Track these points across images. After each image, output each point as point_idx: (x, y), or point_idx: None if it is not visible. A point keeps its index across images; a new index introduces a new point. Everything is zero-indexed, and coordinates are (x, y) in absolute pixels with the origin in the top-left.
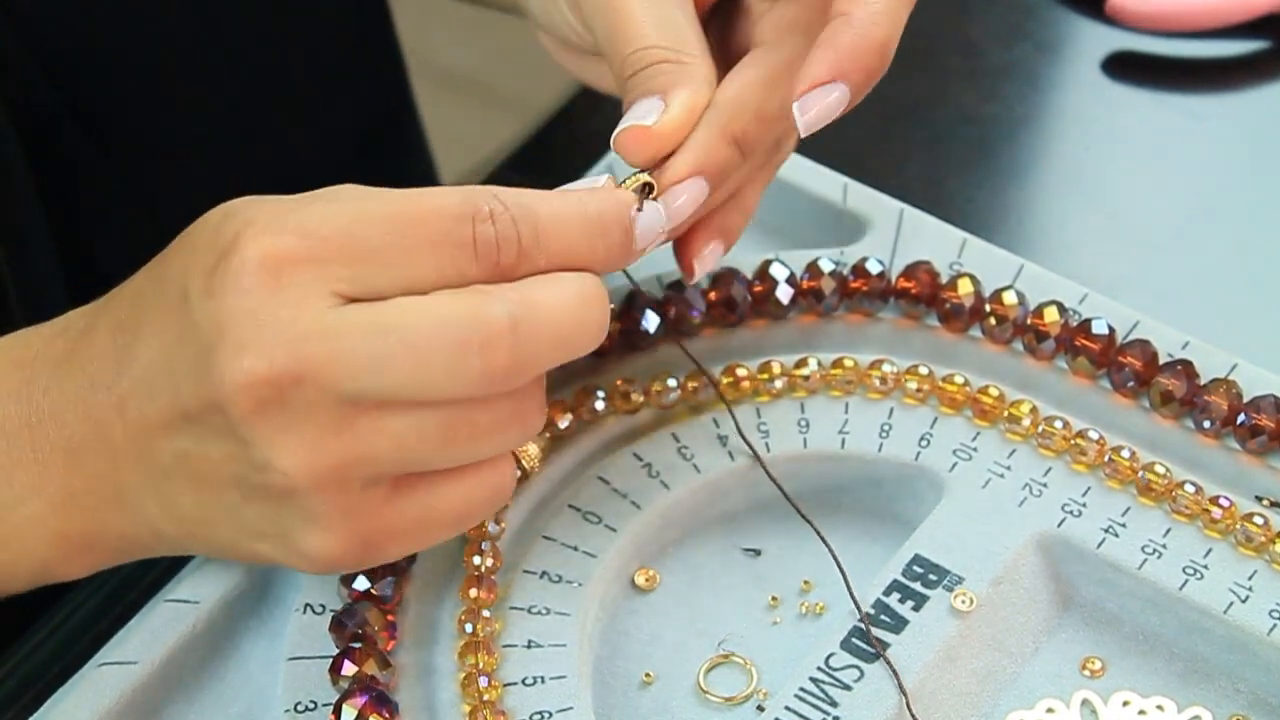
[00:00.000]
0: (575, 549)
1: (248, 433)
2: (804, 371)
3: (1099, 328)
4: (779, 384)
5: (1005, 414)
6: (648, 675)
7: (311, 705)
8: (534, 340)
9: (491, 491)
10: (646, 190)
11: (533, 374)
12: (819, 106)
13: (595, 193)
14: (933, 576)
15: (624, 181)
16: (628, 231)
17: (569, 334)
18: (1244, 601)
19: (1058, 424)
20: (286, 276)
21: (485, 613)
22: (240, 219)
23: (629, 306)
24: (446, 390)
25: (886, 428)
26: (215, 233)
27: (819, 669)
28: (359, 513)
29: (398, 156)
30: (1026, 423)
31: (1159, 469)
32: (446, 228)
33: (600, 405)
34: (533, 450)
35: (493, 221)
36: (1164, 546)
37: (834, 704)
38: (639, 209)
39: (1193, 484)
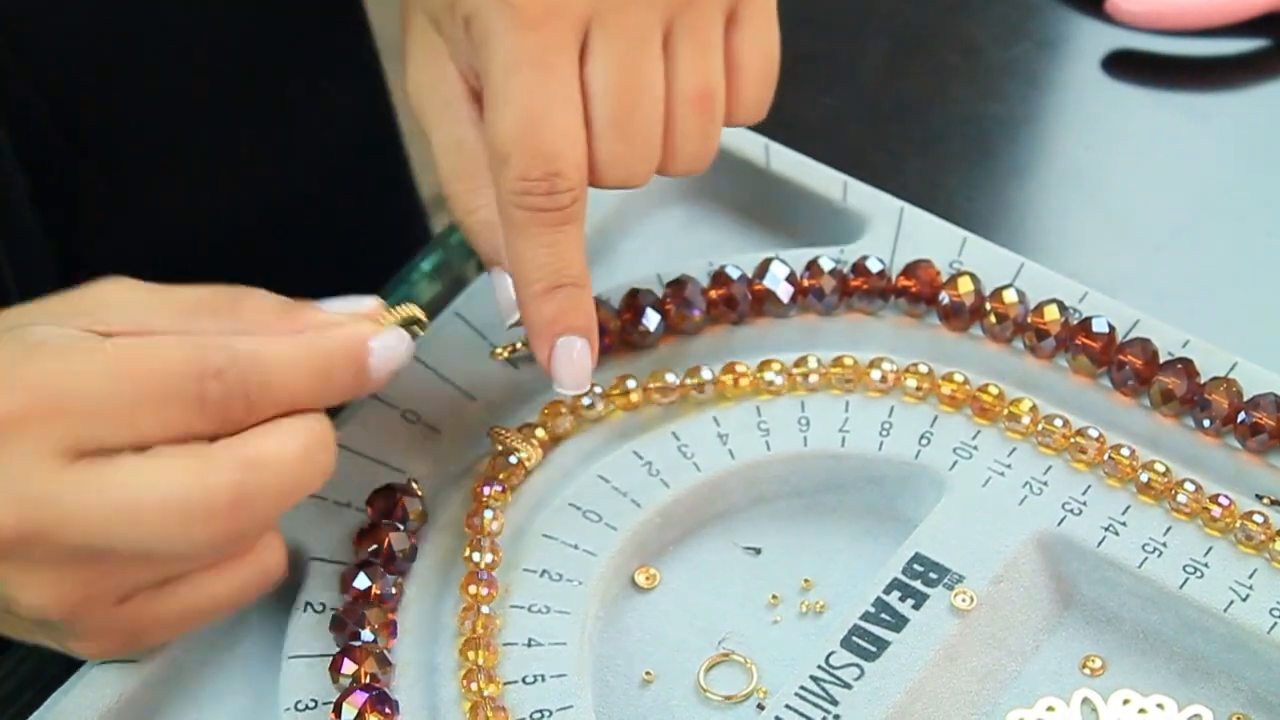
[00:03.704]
0: (575, 547)
1: None
2: (804, 370)
3: (1099, 326)
4: (779, 382)
5: (1005, 412)
6: (648, 674)
7: (312, 704)
8: (260, 501)
9: (260, 574)
10: (413, 324)
11: (261, 530)
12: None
13: (328, 332)
14: (933, 575)
15: (395, 305)
16: (360, 369)
17: (295, 484)
18: (1244, 600)
19: (1058, 422)
20: (13, 437)
21: (485, 610)
22: None
23: (630, 304)
24: (175, 553)
25: (887, 426)
26: None
27: (819, 667)
28: (118, 620)
29: (381, 170)
30: (1026, 421)
31: (1159, 467)
32: (174, 385)
33: (600, 404)
34: (530, 449)
35: (220, 379)
36: (1164, 545)
37: (834, 702)
38: (380, 339)
39: (1193, 482)
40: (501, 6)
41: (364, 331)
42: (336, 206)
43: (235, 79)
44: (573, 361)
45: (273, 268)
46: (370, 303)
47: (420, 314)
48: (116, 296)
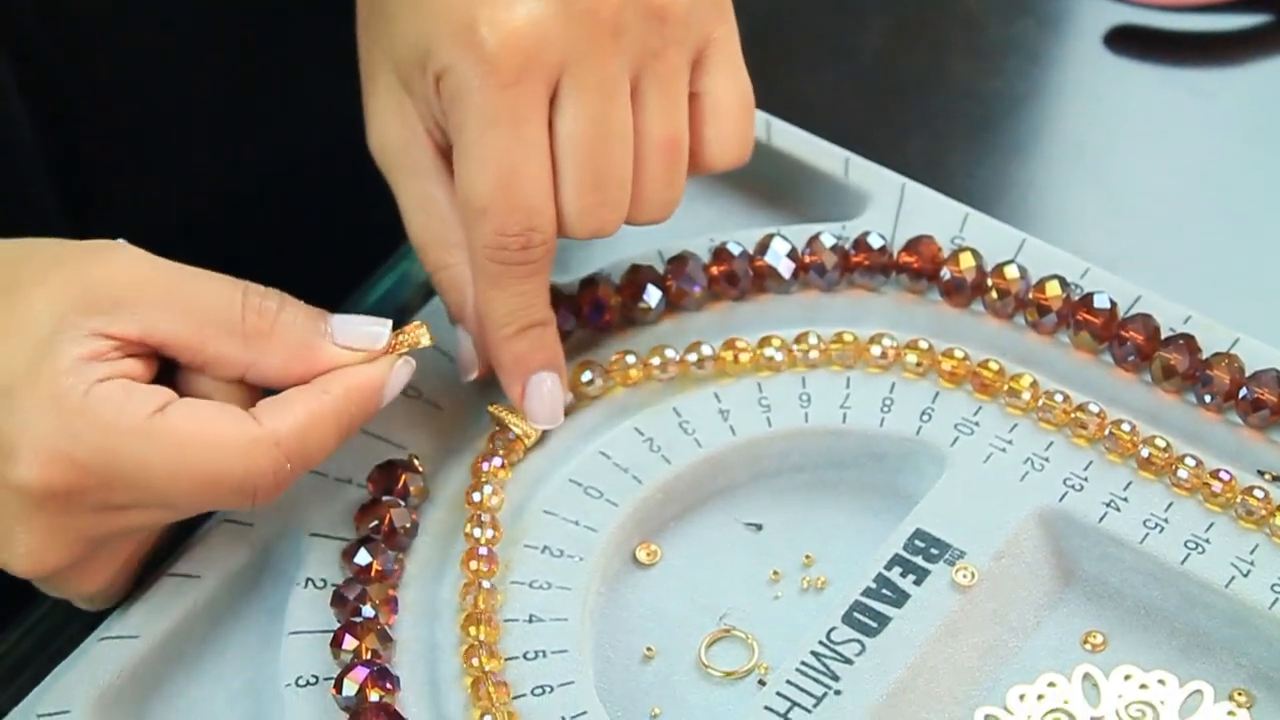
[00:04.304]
0: (576, 523)
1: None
2: (805, 346)
3: (1101, 302)
4: (780, 358)
5: (1006, 388)
6: (649, 650)
7: (313, 679)
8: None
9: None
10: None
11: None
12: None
13: (347, 382)
14: (934, 551)
15: (399, 337)
16: (373, 411)
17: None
18: (1245, 575)
19: (1059, 398)
20: (67, 504)
21: (486, 585)
22: (31, 433)
23: (631, 280)
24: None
25: (888, 402)
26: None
27: (820, 643)
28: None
29: None
30: (1027, 397)
31: (1160, 443)
32: (228, 490)
33: (600, 380)
34: (530, 425)
35: (274, 475)
36: (1165, 520)
37: (835, 678)
38: (392, 377)
39: (1194, 458)
40: (476, 62)
41: (380, 376)
42: (340, 185)
43: (248, 47)
44: (544, 397)
45: (277, 233)
46: (384, 332)
47: (428, 338)
48: (132, 291)
